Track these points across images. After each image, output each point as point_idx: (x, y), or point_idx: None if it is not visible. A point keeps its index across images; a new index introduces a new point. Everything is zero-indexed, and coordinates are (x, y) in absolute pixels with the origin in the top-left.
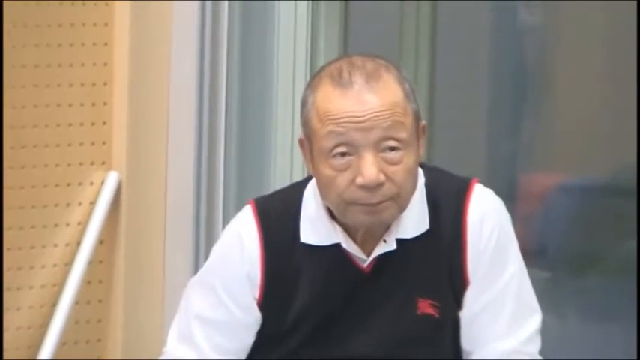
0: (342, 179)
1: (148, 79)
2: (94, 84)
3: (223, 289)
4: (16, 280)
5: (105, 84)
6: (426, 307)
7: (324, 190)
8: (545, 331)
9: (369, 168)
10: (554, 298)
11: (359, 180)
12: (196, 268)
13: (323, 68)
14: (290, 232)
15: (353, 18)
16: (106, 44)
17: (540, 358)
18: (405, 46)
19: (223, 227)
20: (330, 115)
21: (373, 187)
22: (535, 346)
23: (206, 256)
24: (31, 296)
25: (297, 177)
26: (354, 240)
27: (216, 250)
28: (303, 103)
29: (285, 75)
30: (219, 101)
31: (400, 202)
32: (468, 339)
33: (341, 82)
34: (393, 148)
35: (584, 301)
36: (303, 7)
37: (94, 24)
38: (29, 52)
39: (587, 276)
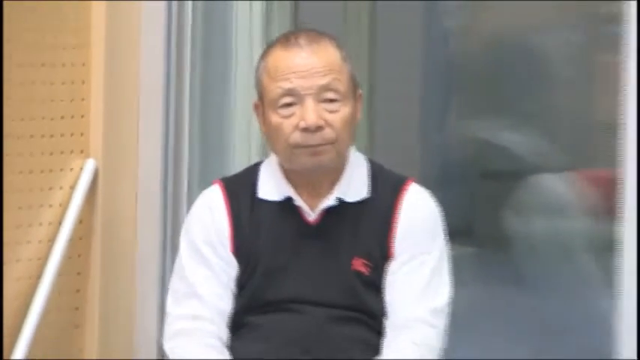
0: (288, 124)
1: (121, 78)
2: (73, 82)
3: (205, 246)
4: (5, 255)
5: (83, 82)
6: (359, 265)
7: (273, 138)
8: (472, 296)
9: (310, 113)
10: (480, 270)
11: (302, 123)
12: (164, 243)
13: (272, 41)
14: (250, 193)
15: (302, 17)
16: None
17: (443, 333)
18: (350, 45)
19: (187, 208)
20: (278, 71)
21: (314, 130)
22: (441, 321)
23: (172, 232)
24: (19, 269)
25: (255, 159)
26: (301, 197)
27: (190, 219)
28: (256, 69)
29: (243, 69)
30: (184, 97)
31: (338, 147)
32: (386, 302)
33: (287, 44)
34: (331, 100)
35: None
36: (258, 7)
37: (75, 25)
38: (20, 54)
39: (509, 250)
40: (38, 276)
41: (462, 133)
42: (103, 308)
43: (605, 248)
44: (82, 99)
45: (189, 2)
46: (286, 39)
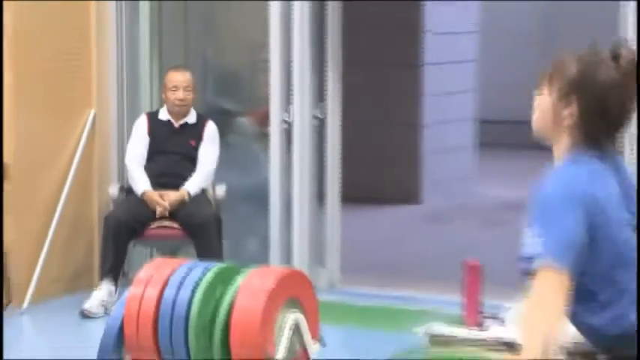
0: (173, 96)
1: (102, 66)
2: (84, 72)
3: (138, 131)
4: (53, 154)
5: (88, 76)
6: (192, 142)
7: (166, 100)
8: None
9: (182, 93)
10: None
11: (177, 96)
12: (119, 140)
13: (169, 67)
14: (156, 116)
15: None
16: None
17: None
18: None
19: (126, 130)
20: (170, 78)
21: (182, 100)
22: (214, 165)
23: (121, 135)
24: (63, 160)
25: (152, 104)
26: (173, 119)
27: (134, 124)
28: (164, 77)
29: (146, 56)
30: (123, 74)
31: (188, 107)
32: (199, 156)
33: (175, 69)
34: (188, 90)
35: None
36: (147, 7)
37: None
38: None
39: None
40: (72, 159)
41: (213, 105)
42: (98, 174)
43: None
44: (88, 89)
45: (118, 3)
46: (175, 67)
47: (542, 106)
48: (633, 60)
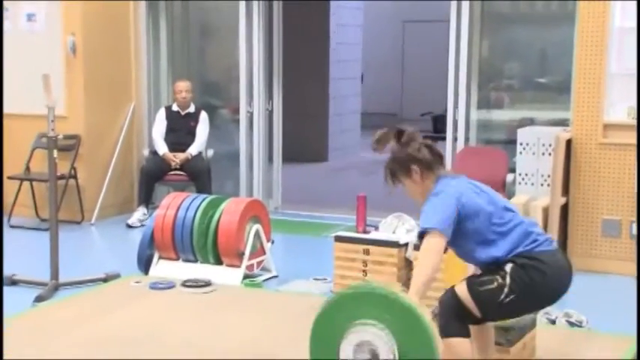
0: (179, 96)
1: (138, 68)
2: (128, 75)
3: (160, 117)
4: (108, 132)
5: (130, 82)
6: (193, 124)
7: (176, 99)
8: None
9: (184, 94)
10: None
11: (182, 97)
12: (149, 124)
13: (176, 79)
14: (171, 108)
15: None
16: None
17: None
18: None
19: (152, 117)
20: (177, 85)
21: (184, 98)
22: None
23: (151, 122)
24: (112, 136)
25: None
26: (180, 110)
27: (157, 113)
28: (174, 85)
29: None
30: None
31: (189, 102)
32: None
33: (180, 79)
34: (188, 92)
35: None
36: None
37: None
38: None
39: None
40: (120, 133)
41: (205, 101)
42: (137, 142)
43: None
44: (130, 91)
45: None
46: (180, 78)
47: (409, 187)
48: (412, 133)
